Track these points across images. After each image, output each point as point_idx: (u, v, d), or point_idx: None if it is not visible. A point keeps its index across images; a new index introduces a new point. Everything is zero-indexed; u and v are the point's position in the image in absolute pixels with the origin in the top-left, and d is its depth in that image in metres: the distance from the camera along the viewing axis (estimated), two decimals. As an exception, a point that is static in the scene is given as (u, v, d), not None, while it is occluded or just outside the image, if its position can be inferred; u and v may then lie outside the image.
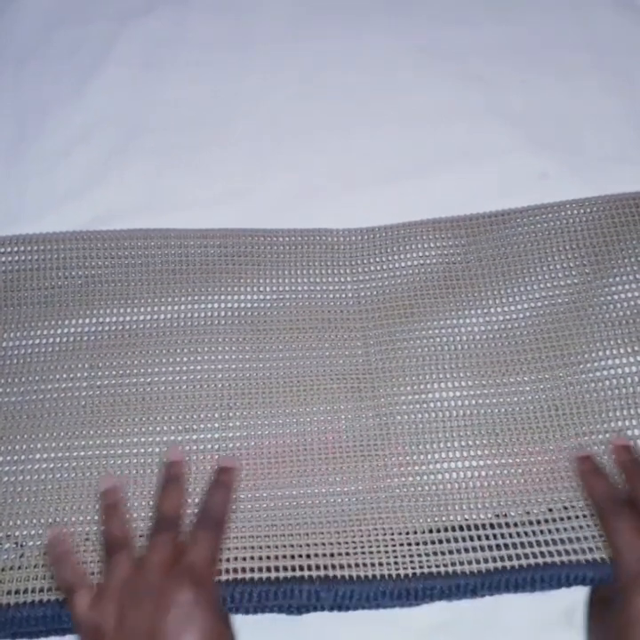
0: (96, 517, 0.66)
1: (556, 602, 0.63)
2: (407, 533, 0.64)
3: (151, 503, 0.66)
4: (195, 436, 0.69)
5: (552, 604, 0.63)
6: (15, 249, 0.77)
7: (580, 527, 0.63)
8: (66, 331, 0.74)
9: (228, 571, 0.62)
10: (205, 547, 0.59)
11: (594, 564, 0.61)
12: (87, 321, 0.74)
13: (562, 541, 0.62)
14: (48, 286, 0.76)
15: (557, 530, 0.63)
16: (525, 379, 0.70)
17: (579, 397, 0.69)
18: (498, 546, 0.63)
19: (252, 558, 0.63)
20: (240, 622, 0.59)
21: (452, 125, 0.87)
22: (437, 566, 0.62)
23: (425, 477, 0.67)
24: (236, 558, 0.63)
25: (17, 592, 0.62)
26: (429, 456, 0.68)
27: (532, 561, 0.62)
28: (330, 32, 0.94)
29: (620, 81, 0.89)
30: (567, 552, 0.62)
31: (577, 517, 0.64)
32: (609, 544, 0.60)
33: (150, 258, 0.77)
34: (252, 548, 0.64)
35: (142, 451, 0.69)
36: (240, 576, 0.62)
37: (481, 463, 0.67)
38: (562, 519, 0.64)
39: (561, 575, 0.61)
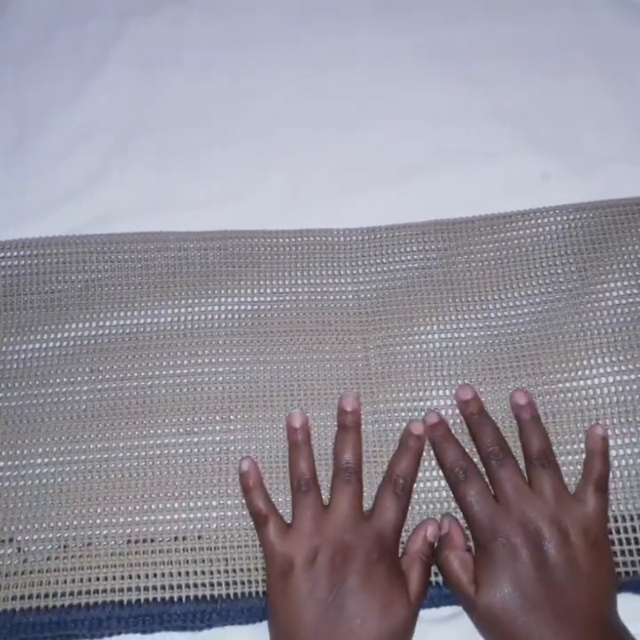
0: (97, 521, 0.66)
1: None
2: (403, 543, 0.64)
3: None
4: (196, 439, 0.70)
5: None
6: (15, 253, 0.77)
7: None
8: (66, 334, 0.74)
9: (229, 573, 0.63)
10: (394, 513, 0.62)
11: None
12: (87, 325, 0.74)
13: None
14: (48, 290, 0.76)
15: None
16: (523, 384, 0.70)
17: (577, 404, 0.69)
18: None
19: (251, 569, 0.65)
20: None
21: (452, 125, 0.87)
22: (436, 575, 0.63)
23: (422, 484, 0.67)
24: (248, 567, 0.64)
25: (21, 598, 0.63)
26: (427, 463, 0.68)
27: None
28: (330, 32, 0.93)
29: (620, 81, 0.89)
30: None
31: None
32: (462, 513, 0.63)
33: (150, 261, 0.77)
34: (249, 558, 0.65)
35: (143, 454, 0.69)
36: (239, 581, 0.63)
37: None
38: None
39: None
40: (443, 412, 0.69)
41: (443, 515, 0.65)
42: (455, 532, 0.63)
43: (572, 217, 0.78)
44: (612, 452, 0.67)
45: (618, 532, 0.64)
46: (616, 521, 0.64)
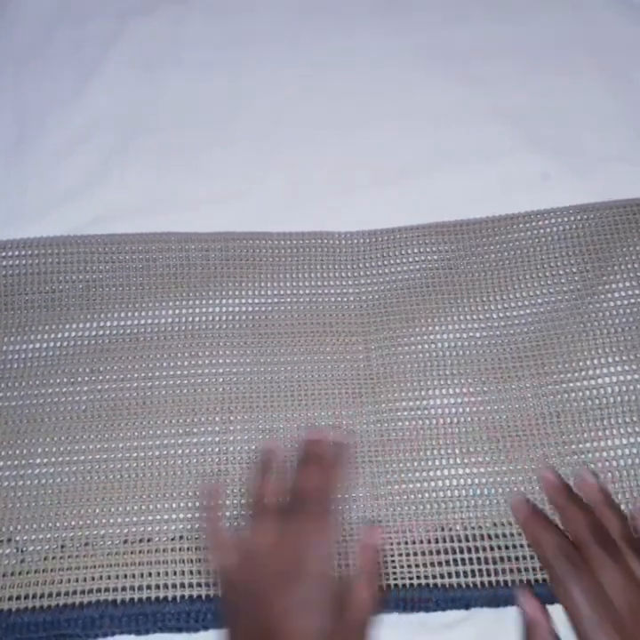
0: (96, 522, 0.66)
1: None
2: (405, 543, 0.64)
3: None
4: (195, 440, 0.69)
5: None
6: (16, 253, 0.77)
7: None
8: (67, 335, 0.74)
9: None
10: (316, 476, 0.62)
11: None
12: (88, 325, 0.74)
13: None
14: (49, 290, 0.76)
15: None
16: (527, 385, 0.70)
17: (581, 404, 0.69)
18: (494, 559, 0.63)
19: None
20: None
21: (452, 125, 0.87)
22: (434, 577, 0.63)
23: (425, 484, 0.67)
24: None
25: (18, 598, 0.63)
26: (430, 462, 0.68)
27: (524, 577, 0.62)
28: (330, 32, 0.93)
29: (620, 81, 0.89)
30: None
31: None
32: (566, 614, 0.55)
33: (151, 262, 0.77)
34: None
35: (143, 454, 0.69)
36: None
37: (482, 470, 0.67)
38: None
39: (552, 594, 0.61)
40: (444, 412, 0.69)
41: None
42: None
43: (573, 218, 0.78)
44: (617, 452, 0.67)
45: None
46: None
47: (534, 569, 0.62)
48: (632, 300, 0.73)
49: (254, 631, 0.54)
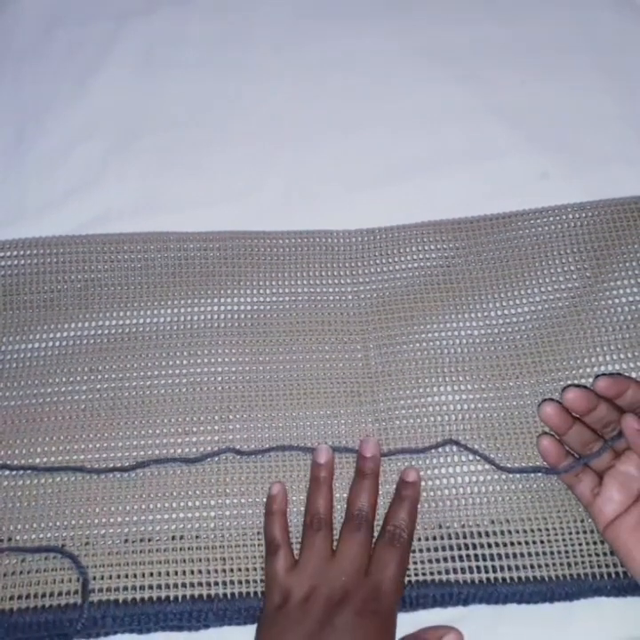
0: (96, 521, 0.66)
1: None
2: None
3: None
4: (194, 439, 0.69)
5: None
6: (15, 253, 0.77)
7: (572, 542, 0.64)
8: (65, 334, 0.74)
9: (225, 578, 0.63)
10: (393, 568, 0.61)
11: (579, 580, 0.62)
12: (87, 324, 0.74)
13: (552, 554, 0.63)
14: (48, 290, 0.76)
15: (549, 542, 0.64)
16: (525, 383, 0.70)
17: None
18: (491, 556, 0.63)
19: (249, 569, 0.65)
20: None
21: (451, 125, 0.87)
22: (432, 574, 0.63)
23: (423, 483, 0.67)
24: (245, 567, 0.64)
25: (19, 597, 0.63)
26: (428, 461, 0.68)
27: (523, 574, 0.63)
28: (330, 32, 0.94)
29: (620, 81, 0.89)
30: (555, 566, 0.63)
31: (570, 531, 0.64)
32: None
33: (150, 261, 0.77)
34: (247, 557, 0.65)
35: (142, 453, 0.69)
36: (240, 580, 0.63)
37: (479, 468, 0.67)
38: (554, 530, 0.64)
39: (551, 590, 0.62)
40: (442, 410, 0.69)
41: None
42: None
43: (571, 217, 0.78)
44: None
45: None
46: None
47: (532, 566, 0.63)
48: (630, 299, 0.73)
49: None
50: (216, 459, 0.68)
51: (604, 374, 0.66)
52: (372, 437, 0.68)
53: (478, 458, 0.67)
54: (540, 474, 0.66)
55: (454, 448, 0.68)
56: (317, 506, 0.64)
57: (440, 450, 0.68)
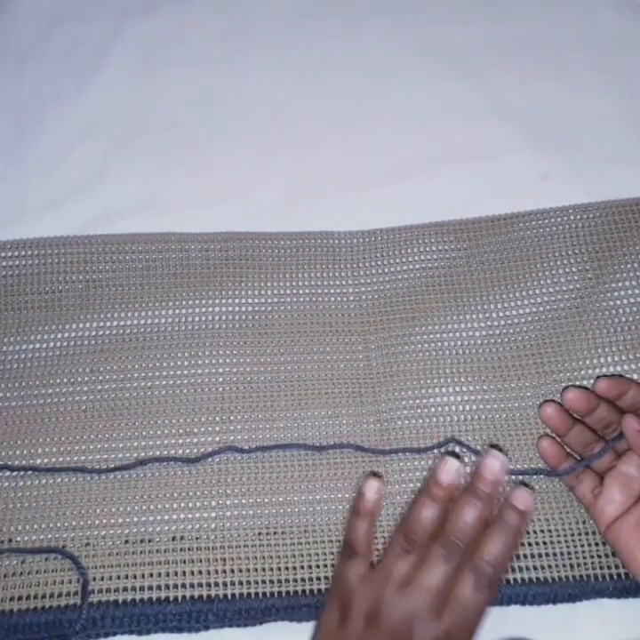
0: (96, 522, 0.66)
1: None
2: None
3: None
4: (195, 440, 0.69)
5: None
6: (16, 253, 0.77)
7: (574, 543, 0.64)
8: (67, 335, 0.74)
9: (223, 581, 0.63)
10: (474, 610, 0.54)
11: (581, 582, 0.62)
12: (88, 325, 0.74)
13: (554, 556, 0.63)
14: (49, 290, 0.76)
15: (552, 543, 0.64)
16: (527, 384, 0.70)
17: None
18: None
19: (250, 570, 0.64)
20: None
21: (451, 125, 0.87)
22: None
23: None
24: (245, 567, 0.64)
25: (20, 598, 0.62)
26: (430, 462, 0.68)
27: (525, 576, 0.63)
28: (330, 32, 0.94)
29: (620, 81, 0.90)
30: (558, 568, 0.63)
31: (572, 533, 0.64)
32: None
33: (151, 262, 0.77)
34: (248, 558, 0.65)
35: (143, 454, 0.69)
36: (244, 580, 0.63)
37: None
38: (556, 531, 0.64)
39: (553, 592, 0.62)
40: (444, 411, 0.69)
41: None
42: None
43: (573, 218, 0.78)
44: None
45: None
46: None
47: (534, 568, 0.63)
48: (632, 300, 0.73)
49: None
50: (216, 459, 0.68)
51: (604, 375, 0.65)
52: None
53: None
54: (541, 476, 0.66)
55: (457, 449, 0.68)
56: (423, 522, 0.57)
57: (443, 450, 0.68)
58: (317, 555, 0.64)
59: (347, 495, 0.66)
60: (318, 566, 0.63)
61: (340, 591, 0.57)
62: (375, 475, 0.65)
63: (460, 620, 0.53)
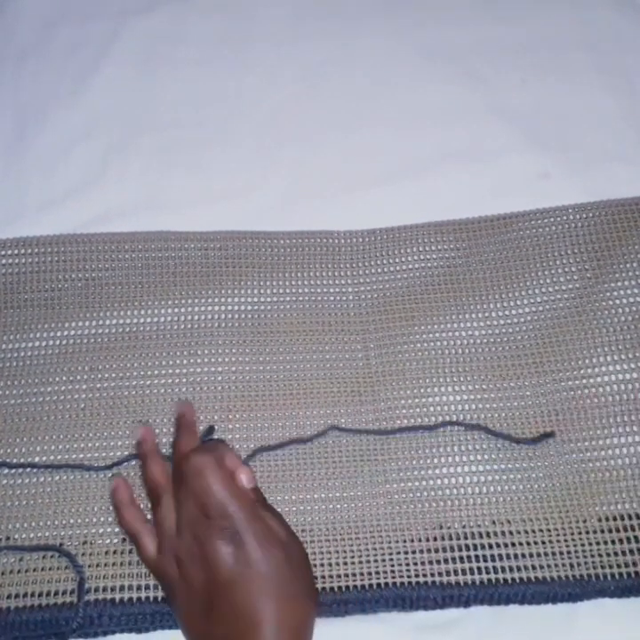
0: (94, 520, 0.66)
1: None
2: (404, 541, 0.64)
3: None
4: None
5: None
6: (15, 251, 0.77)
7: (574, 542, 0.64)
8: (66, 333, 0.74)
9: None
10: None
11: (582, 581, 0.62)
12: (87, 323, 0.74)
13: (554, 555, 0.63)
14: (48, 289, 0.76)
15: (551, 542, 0.64)
16: (526, 383, 0.70)
17: (579, 402, 0.69)
18: (493, 557, 0.63)
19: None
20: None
21: (452, 125, 0.87)
22: (432, 575, 0.63)
23: (424, 483, 0.67)
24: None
25: (17, 596, 0.62)
26: (429, 461, 0.67)
27: (525, 575, 0.62)
28: (330, 32, 0.94)
29: (620, 81, 0.90)
30: (558, 567, 0.62)
31: (572, 532, 0.64)
32: None
33: (150, 260, 0.77)
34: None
35: (142, 453, 0.69)
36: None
37: (480, 468, 0.67)
38: (556, 530, 0.64)
39: (553, 591, 0.61)
40: (443, 411, 0.69)
41: None
42: None
43: (572, 217, 0.78)
44: (616, 451, 0.67)
45: (618, 531, 0.64)
46: (617, 520, 0.64)
47: (534, 567, 0.62)
48: (631, 300, 0.73)
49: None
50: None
51: None
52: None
53: (479, 457, 0.67)
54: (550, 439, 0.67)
55: (456, 448, 0.68)
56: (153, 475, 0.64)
57: (442, 450, 0.68)
58: (316, 554, 0.64)
59: (344, 494, 0.66)
60: (316, 566, 0.63)
61: (154, 573, 0.61)
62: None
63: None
